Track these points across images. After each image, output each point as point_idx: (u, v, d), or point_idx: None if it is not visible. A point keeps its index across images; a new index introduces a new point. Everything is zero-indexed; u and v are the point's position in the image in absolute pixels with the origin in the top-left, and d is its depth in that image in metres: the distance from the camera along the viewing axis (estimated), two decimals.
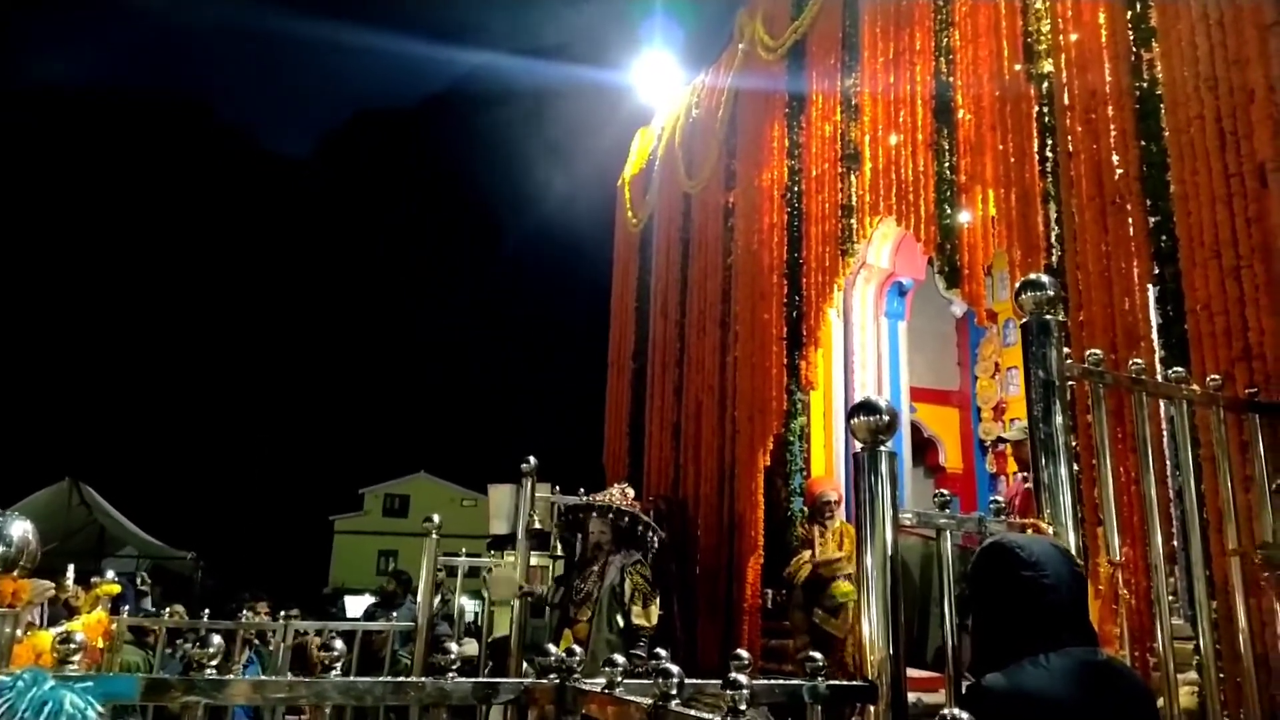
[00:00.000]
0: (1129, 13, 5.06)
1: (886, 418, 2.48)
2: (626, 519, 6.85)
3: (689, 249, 10.51)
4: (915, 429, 9.49)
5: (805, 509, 7.62)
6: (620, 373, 11.59)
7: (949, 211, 6.41)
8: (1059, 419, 3.06)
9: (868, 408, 2.50)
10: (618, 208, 12.56)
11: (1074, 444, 4.61)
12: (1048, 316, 3.18)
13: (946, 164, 6.47)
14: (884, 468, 2.43)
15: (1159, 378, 3.85)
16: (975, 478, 9.86)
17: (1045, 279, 3.22)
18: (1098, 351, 3.43)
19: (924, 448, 9.94)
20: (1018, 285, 3.28)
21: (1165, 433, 4.19)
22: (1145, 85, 4.92)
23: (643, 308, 11.41)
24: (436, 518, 7.32)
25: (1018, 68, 5.80)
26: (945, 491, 3.33)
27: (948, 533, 2.95)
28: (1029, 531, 2.83)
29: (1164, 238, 4.69)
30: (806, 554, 7.10)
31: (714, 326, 9.55)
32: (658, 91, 12.06)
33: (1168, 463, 4.17)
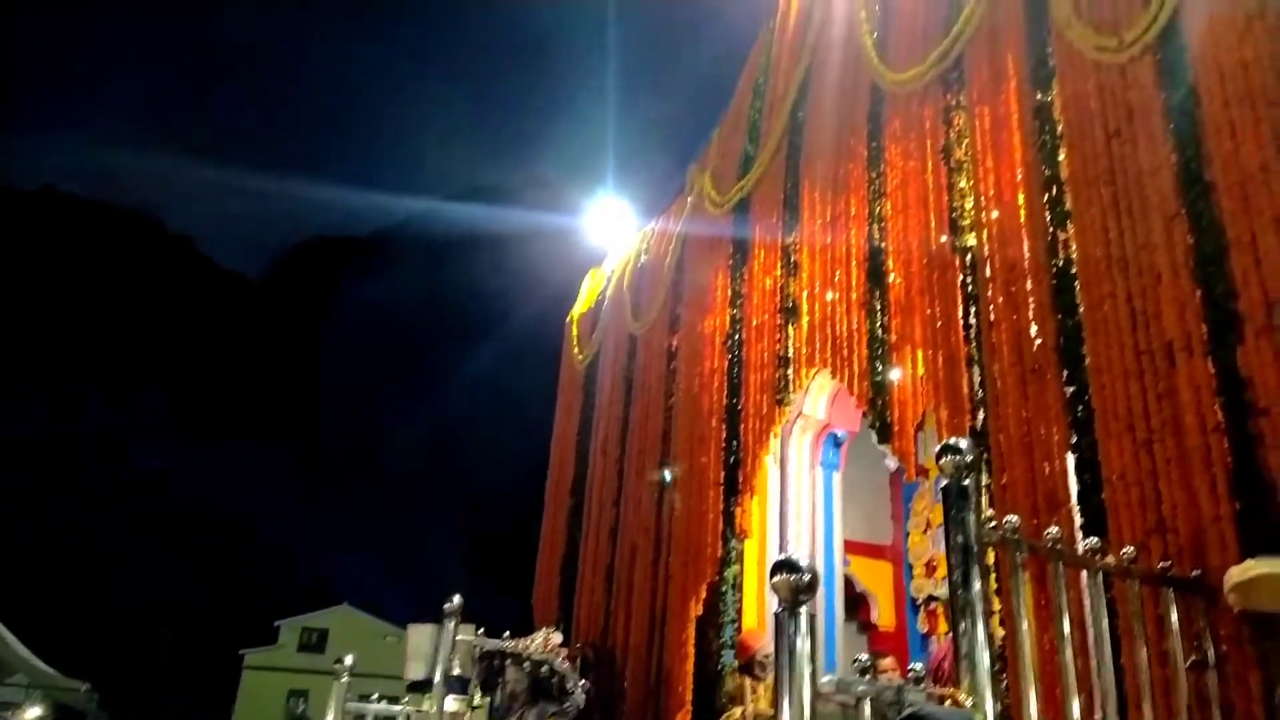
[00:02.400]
0: (1045, 195, 5.43)
1: (808, 576, 2.44)
2: (544, 668, 6.55)
3: (632, 388, 10.60)
4: (848, 583, 9.40)
5: (737, 661, 7.40)
6: (557, 509, 11.40)
7: (881, 368, 6.61)
8: (977, 585, 3.05)
9: (789, 565, 2.46)
10: (565, 344, 12.70)
11: (997, 609, 4.61)
12: (966, 481, 3.22)
13: (879, 323, 6.72)
14: (804, 628, 2.38)
15: (1079, 546, 3.90)
16: (907, 636, 9.73)
17: (964, 443, 3.27)
18: (1014, 518, 3.48)
19: (857, 603, 9.82)
20: (937, 449, 3.34)
21: (1089, 601, 4.21)
22: (1061, 263, 5.23)
23: (583, 444, 11.36)
24: (349, 659, 6.92)
25: (944, 239, 6.14)
26: (865, 656, 3.26)
27: (866, 701, 2.88)
28: (947, 703, 2.77)
29: (1081, 407, 4.88)
30: (737, 711, 6.83)
31: (653, 468, 9.52)
32: (610, 234, 12.46)
33: (1090, 633, 4.18)
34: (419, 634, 7.68)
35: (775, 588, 2.47)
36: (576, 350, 12.28)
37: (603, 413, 11.07)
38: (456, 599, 7.58)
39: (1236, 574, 3.40)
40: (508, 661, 6.52)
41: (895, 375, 6.48)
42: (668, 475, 9.11)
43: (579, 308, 12.71)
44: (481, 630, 7.83)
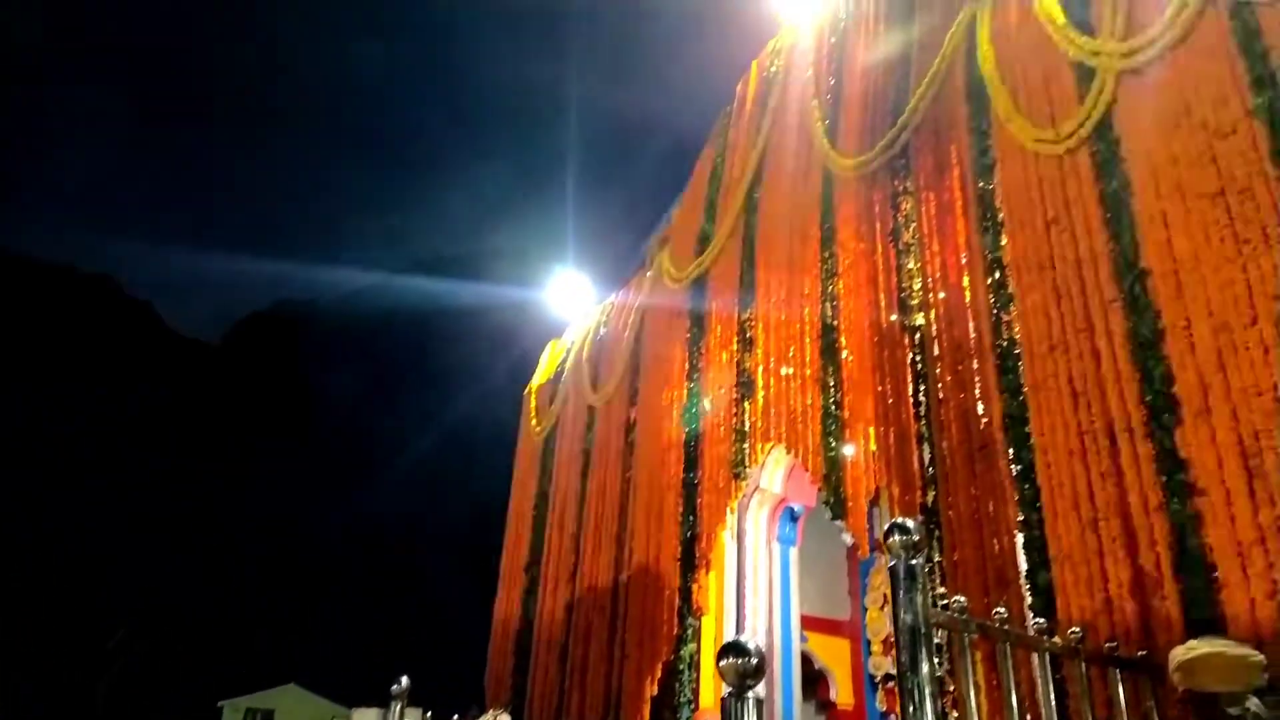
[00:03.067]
0: (989, 278, 5.61)
1: (755, 660, 2.42)
2: None
3: (590, 461, 10.54)
4: (806, 660, 9.29)
5: None
6: (511, 585, 11.17)
7: (834, 444, 6.67)
8: (926, 668, 3.05)
9: (736, 649, 2.44)
10: (523, 415, 12.63)
11: (951, 688, 4.59)
12: (914, 561, 3.24)
13: (832, 399, 6.81)
14: (752, 715, 2.35)
15: (1029, 626, 3.92)
16: (866, 715, 9.60)
17: (911, 524, 3.30)
18: (962, 599, 3.49)
19: (815, 680, 9.69)
20: (886, 528, 3.36)
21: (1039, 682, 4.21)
22: (1006, 343, 5.37)
23: (539, 518, 11.21)
24: None
25: (894, 318, 6.28)
26: None
27: None
28: None
29: (1028, 485, 4.95)
30: None
31: (609, 542, 9.41)
32: (571, 307, 12.55)
33: (1043, 712, 4.16)
34: (364, 718, 7.43)
35: (722, 672, 2.45)
36: (534, 422, 12.22)
37: (559, 485, 10.98)
38: (404, 680, 7.36)
39: (1180, 654, 3.43)
40: None
41: (849, 451, 6.54)
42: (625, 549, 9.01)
43: (538, 379, 12.70)
44: (430, 714, 7.59)
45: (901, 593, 3.25)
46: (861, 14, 7.84)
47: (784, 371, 7.51)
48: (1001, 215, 5.64)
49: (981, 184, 5.85)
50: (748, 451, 7.87)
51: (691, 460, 8.57)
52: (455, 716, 7.21)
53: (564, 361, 12.27)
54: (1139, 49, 5.08)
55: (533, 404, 12.49)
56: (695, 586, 7.87)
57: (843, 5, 8.12)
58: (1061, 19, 5.47)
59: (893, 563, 3.30)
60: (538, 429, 12.05)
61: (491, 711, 6.82)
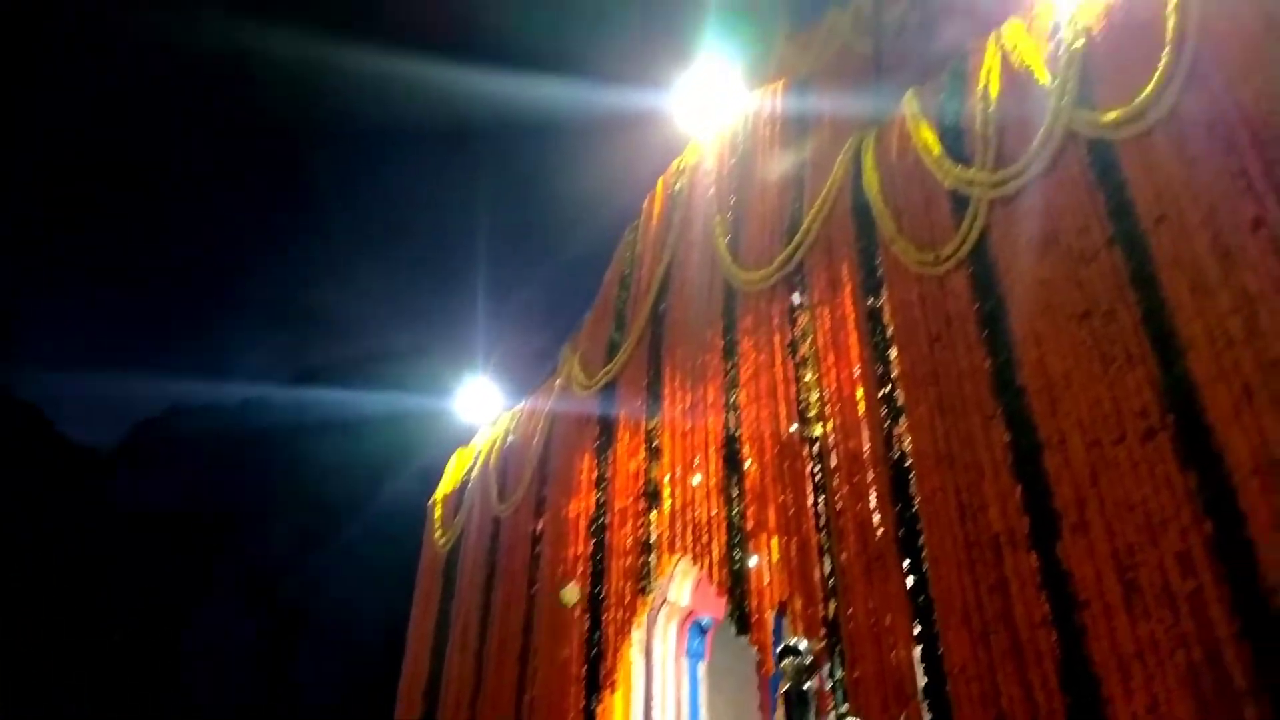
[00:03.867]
0: (880, 392, 5.78)
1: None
2: None
3: (494, 575, 10.20)
4: None
5: None
6: (408, 712, 10.55)
7: (739, 556, 6.63)
8: None
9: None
10: (426, 528, 12.22)
11: None
12: (807, 685, 3.20)
13: (736, 510, 6.80)
14: None
15: None
16: None
17: (804, 644, 3.29)
18: None
19: None
20: (778, 650, 3.32)
21: None
22: (897, 455, 5.50)
23: (441, 636, 10.71)
24: None
25: (793, 429, 6.38)
26: None
27: None
28: None
29: (922, 597, 4.99)
30: None
31: (513, 661, 9.03)
32: (480, 413, 12.35)
33: None
34: None
35: None
36: (439, 534, 11.83)
37: (463, 601, 10.56)
38: None
39: None
40: None
41: (753, 562, 6.50)
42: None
43: (443, 489, 12.36)
44: None
45: (794, 716, 3.20)
46: (759, 135, 8.25)
47: (693, 481, 7.50)
48: (890, 331, 5.87)
49: (871, 300, 6.09)
50: (654, 564, 7.75)
51: (598, 574, 8.38)
52: None
53: (470, 470, 12.00)
54: (1008, 179, 5.46)
55: (437, 515, 12.11)
56: (599, 709, 7.57)
57: (742, 127, 8.54)
58: (938, 149, 5.86)
59: (785, 687, 3.25)
60: (441, 541, 11.66)
61: None
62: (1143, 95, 4.79)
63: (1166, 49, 4.73)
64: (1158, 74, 4.74)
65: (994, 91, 5.68)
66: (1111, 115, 4.95)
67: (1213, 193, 4.37)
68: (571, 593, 8.25)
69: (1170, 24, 4.75)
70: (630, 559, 7.98)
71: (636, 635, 7.93)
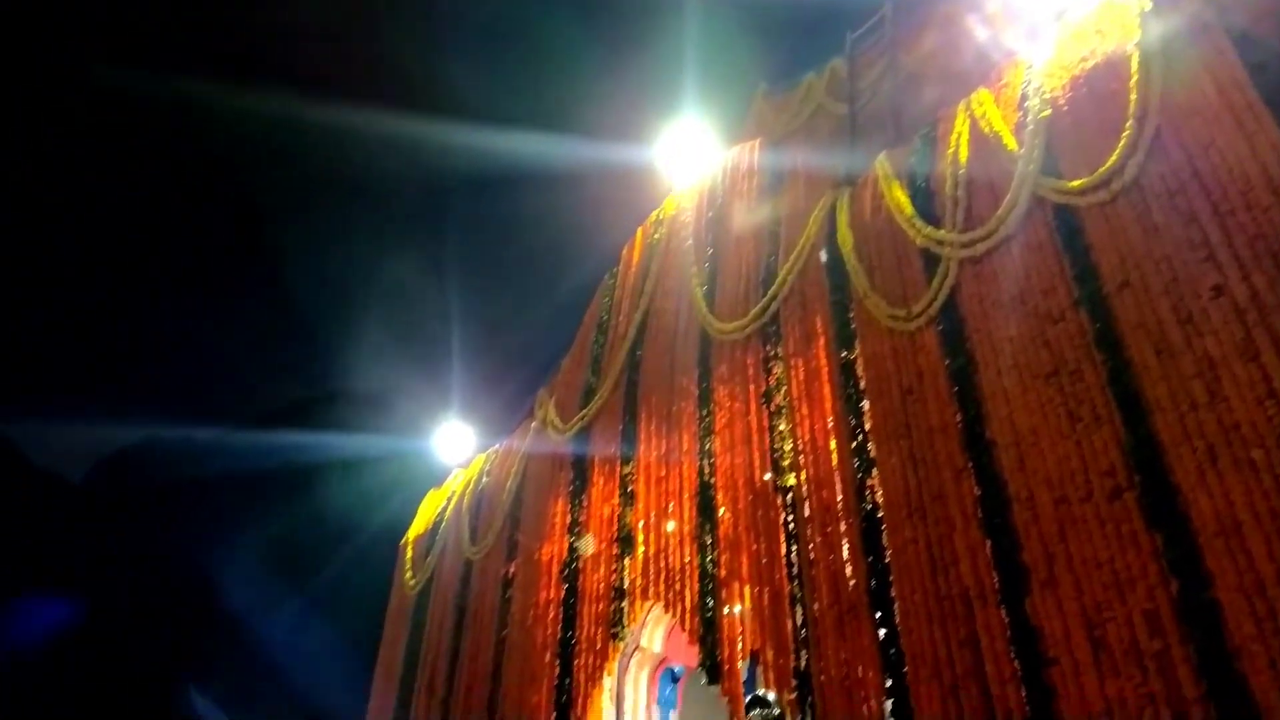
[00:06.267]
0: (852, 443, 5.86)
1: (776, 711, 2.33)
2: None
3: (464, 618, 10.09)
4: None
5: None
6: None
7: (711, 604, 6.63)
8: None
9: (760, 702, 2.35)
10: (396, 569, 12.08)
11: None
12: None
13: (709, 558, 6.82)
14: None
15: None
16: None
17: (772, 696, 3.30)
18: None
19: None
20: (747, 701, 3.34)
21: None
22: (869, 507, 5.56)
23: (408, 679, 10.54)
24: None
25: (767, 477, 6.44)
26: None
27: None
28: None
29: (893, 650, 5.02)
30: None
31: (480, 707, 8.90)
32: (453, 455, 12.31)
33: None
34: None
35: None
36: (409, 575, 11.70)
37: (431, 645, 10.42)
38: None
39: None
40: None
41: (725, 611, 6.51)
42: None
43: (414, 530, 12.25)
44: None
45: None
46: (737, 189, 8.42)
47: (668, 527, 7.51)
48: (863, 384, 5.97)
49: (844, 353, 6.20)
50: (627, 610, 7.71)
51: (570, 619, 8.32)
52: None
53: (443, 512, 11.91)
54: (977, 240, 5.62)
55: (408, 556, 11.99)
56: None
57: (720, 181, 8.71)
58: (909, 210, 6.02)
59: None
60: (411, 583, 11.53)
61: None
62: (1107, 165, 4.98)
63: (1129, 121, 4.93)
64: (1121, 144, 4.93)
65: (963, 156, 5.87)
66: (1077, 183, 5.14)
67: (1174, 260, 4.54)
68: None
69: (1133, 97, 4.96)
70: (602, 605, 7.94)
71: (608, 682, 7.86)
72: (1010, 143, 5.60)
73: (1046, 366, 4.99)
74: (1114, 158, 4.95)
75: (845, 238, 6.46)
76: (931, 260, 5.82)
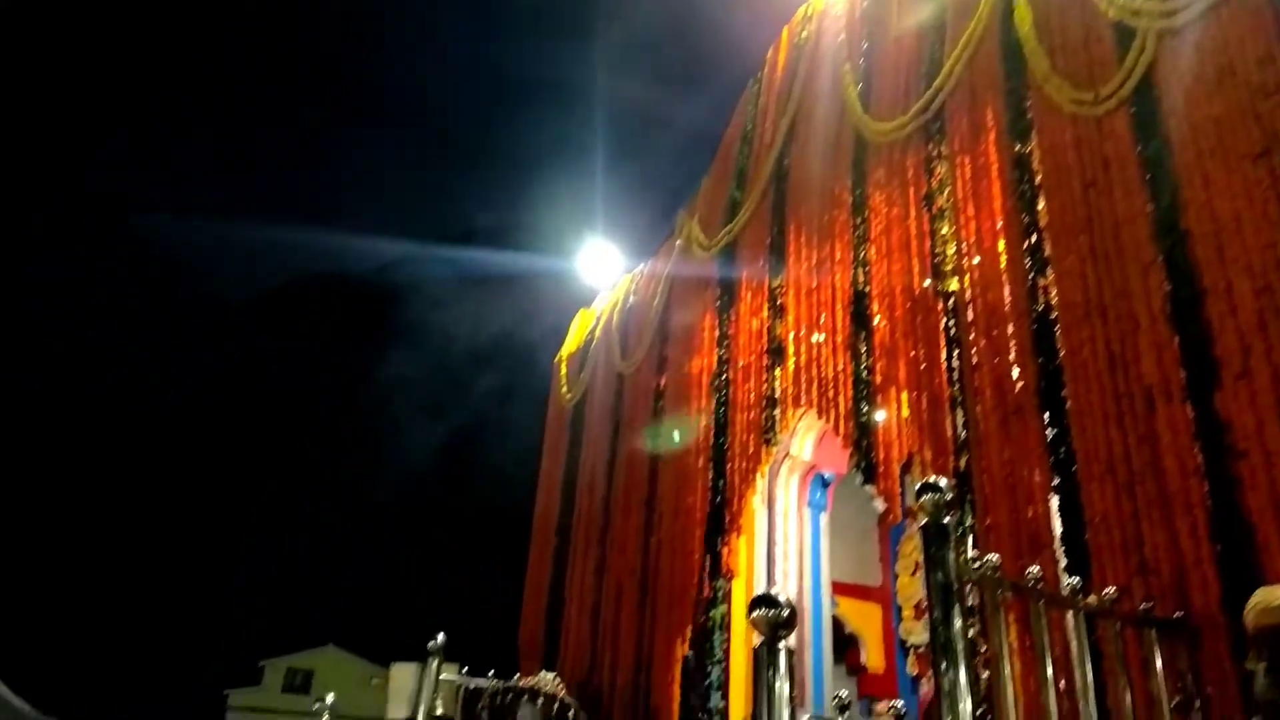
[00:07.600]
0: (1025, 242, 5.56)
1: (786, 612, 2.49)
2: (557, 705, 6.51)
3: (619, 428, 10.62)
4: (837, 625, 9.35)
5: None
6: (543, 546, 11.34)
7: (866, 410, 6.68)
8: (958, 623, 3.08)
9: (767, 601, 2.51)
10: (552, 384, 12.73)
11: (983, 649, 4.62)
12: (946, 520, 3.26)
13: (863, 365, 6.80)
14: (783, 665, 2.42)
15: (1063, 587, 3.94)
16: (897, 679, 9.67)
17: (943, 482, 3.32)
18: (995, 556, 3.52)
19: (846, 645, 9.76)
20: (917, 487, 3.39)
21: (1073, 643, 4.23)
22: (1041, 308, 5.33)
23: (570, 483, 11.34)
24: (330, 697, 6.83)
25: (927, 284, 6.25)
26: (844, 693, 3.28)
27: None
28: None
29: (1062, 450, 4.94)
30: None
31: (639, 506, 9.51)
32: (600, 275, 12.57)
33: (1077, 674, 4.19)
34: (402, 672, 7.63)
35: (754, 623, 2.52)
36: (565, 389, 12.32)
37: (589, 452, 11.08)
38: (440, 637, 7.53)
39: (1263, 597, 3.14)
40: (523, 698, 6.46)
41: (880, 417, 6.54)
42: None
43: (567, 348, 12.77)
44: (466, 669, 7.77)
45: (933, 550, 3.29)
46: None
47: (815, 338, 7.50)
48: (1038, 178, 5.58)
49: (1018, 147, 5.78)
50: (778, 418, 7.89)
51: (721, 427, 8.61)
52: (491, 672, 7.38)
53: (593, 330, 12.32)
54: (1180, 8, 4.98)
55: (563, 372, 12.58)
56: (725, 550, 7.94)
57: None
58: None
59: (925, 521, 3.33)
60: (567, 397, 12.15)
61: (548, 672, 6.96)
62: None
63: None
64: None
65: None
66: None
67: None
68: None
69: None
70: (754, 413, 8.15)
71: (760, 484, 8.19)
72: None
73: (1255, 147, 4.49)
74: None
75: (1024, 16, 5.86)
76: (1125, 34, 5.22)
